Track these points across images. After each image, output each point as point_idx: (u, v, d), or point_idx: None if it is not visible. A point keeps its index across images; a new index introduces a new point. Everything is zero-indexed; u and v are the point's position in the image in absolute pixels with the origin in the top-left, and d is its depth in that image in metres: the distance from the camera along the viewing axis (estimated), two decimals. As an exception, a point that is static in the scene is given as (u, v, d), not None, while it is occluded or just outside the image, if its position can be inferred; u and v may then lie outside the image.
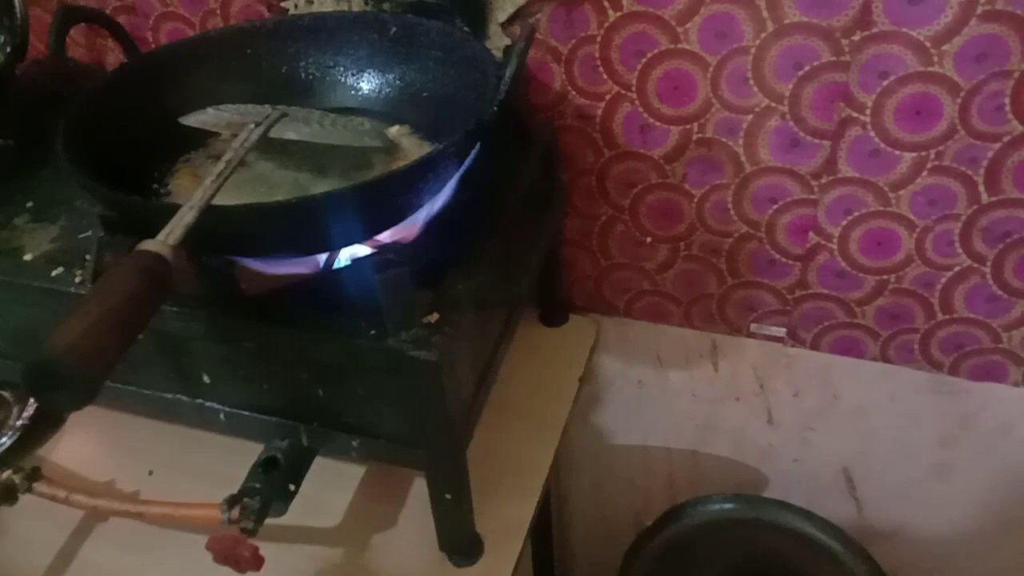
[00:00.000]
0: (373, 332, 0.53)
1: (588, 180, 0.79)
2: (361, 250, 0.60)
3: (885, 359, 0.82)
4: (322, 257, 0.59)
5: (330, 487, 0.72)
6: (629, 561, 0.90)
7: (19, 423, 0.78)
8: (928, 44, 0.61)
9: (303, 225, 0.51)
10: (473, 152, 0.57)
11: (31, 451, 0.78)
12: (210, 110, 0.62)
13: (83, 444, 0.80)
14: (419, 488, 0.62)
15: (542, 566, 1.09)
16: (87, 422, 0.82)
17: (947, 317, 0.77)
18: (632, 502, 1.08)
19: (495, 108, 0.54)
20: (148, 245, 0.43)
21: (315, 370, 0.58)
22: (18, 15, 0.71)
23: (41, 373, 0.35)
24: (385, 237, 0.59)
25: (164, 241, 0.43)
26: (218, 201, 0.49)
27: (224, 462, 0.65)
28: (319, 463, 0.65)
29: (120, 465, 0.76)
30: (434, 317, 0.54)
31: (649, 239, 0.81)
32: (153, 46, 0.84)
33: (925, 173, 0.68)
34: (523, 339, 0.78)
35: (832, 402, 0.89)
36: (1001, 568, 0.96)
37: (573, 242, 0.85)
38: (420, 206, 0.56)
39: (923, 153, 0.67)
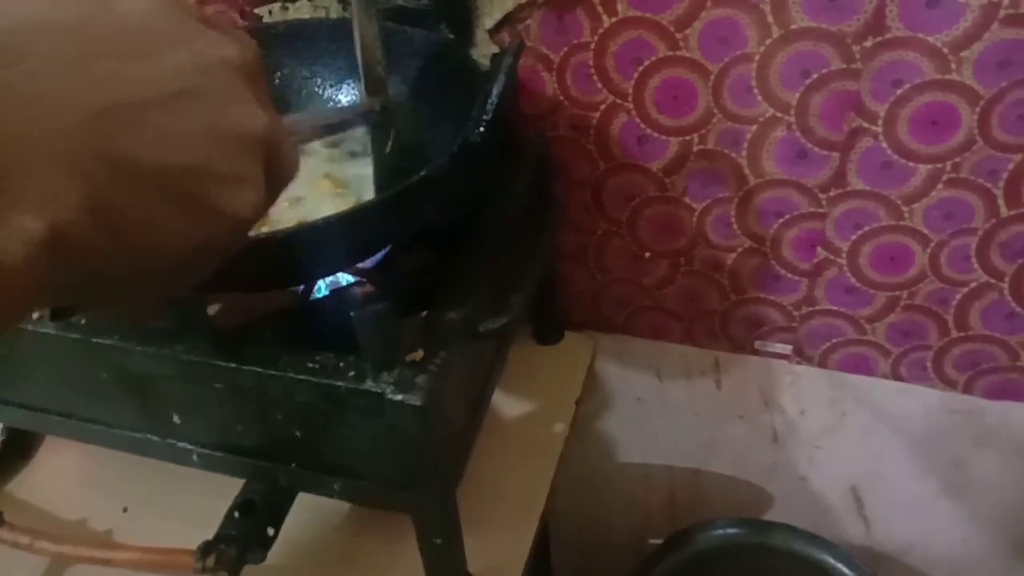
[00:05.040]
0: (353, 373, 0.49)
1: (583, 193, 0.75)
2: (342, 277, 0.56)
3: (896, 377, 0.78)
4: (299, 288, 0.55)
5: (312, 523, 0.68)
6: (631, 588, 0.87)
7: (-16, 457, 0.75)
8: (946, 50, 0.57)
9: (274, 260, 0.47)
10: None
11: (-2, 486, 0.74)
12: None
13: (54, 478, 0.76)
14: (408, 522, 0.58)
15: (539, 587, 1.05)
16: (58, 454, 0.78)
17: (962, 334, 0.73)
18: (631, 521, 1.05)
19: (482, 129, 0.50)
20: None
21: (292, 411, 0.53)
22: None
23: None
24: (367, 265, 0.55)
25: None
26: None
27: (204, 495, 0.61)
28: (301, 498, 0.61)
29: (93, 501, 0.72)
30: (419, 354, 0.49)
31: (648, 254, 0.77)
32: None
33: (940, 186, 0.64)
34: (516, 359, 0.74)
35: (840, 420, 0.85)
36: (1016, 588, 0.93)
37: (568, 257, 0.81)
38: (403, 233, 0.52)
39: (939, 165, 0.63)
